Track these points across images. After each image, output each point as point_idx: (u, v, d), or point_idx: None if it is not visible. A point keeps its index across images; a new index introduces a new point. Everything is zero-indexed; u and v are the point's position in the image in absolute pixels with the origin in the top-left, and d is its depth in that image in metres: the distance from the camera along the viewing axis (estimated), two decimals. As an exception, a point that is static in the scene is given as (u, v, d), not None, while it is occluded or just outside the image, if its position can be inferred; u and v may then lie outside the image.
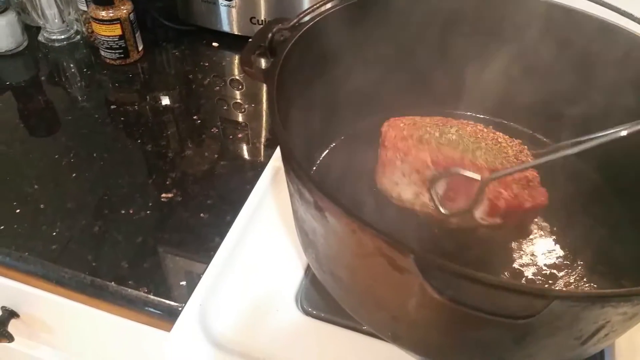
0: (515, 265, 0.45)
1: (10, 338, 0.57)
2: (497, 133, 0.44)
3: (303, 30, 0.43)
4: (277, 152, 0.58)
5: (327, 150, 0.53)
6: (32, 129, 0.63)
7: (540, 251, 0.46)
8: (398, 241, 0.28)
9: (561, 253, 0.46)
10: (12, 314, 0.58)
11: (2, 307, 0.58)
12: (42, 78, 0.72)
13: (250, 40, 0.43)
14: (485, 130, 0.44)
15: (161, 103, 0.66)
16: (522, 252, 0.45)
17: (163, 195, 0.54)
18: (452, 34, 0.51)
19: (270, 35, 0.42)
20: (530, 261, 0.45)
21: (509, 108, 0.54)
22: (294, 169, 0.33)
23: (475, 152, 0.40)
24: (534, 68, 0.50)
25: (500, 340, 0.31)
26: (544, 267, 0.45)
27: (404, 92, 0.51)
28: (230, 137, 0.62)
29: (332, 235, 0.33)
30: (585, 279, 0.44)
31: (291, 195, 0.39)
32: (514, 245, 0.46)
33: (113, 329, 0.52)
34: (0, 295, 0.56)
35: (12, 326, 0.59)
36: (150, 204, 0.53)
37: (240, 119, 0.65)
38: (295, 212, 0.40)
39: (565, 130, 0.47)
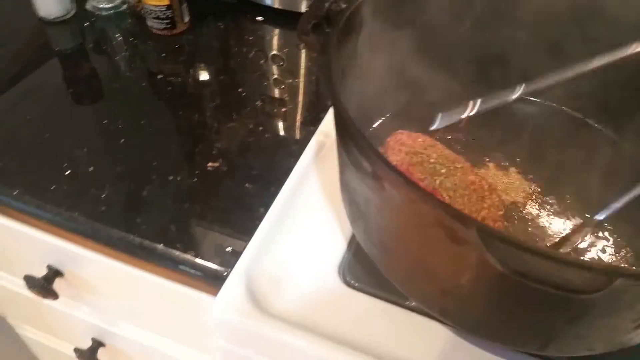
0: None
1: (54, 295, 0.59)
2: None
3: (360, 2, 0.43)
4: (321, 127, 0.59)
5: (375, 125, 0.53)
6: (80, 96, 0.64)
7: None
8: (461, 213, 0.28)
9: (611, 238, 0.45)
10: (57, 273, 0.60)
11: (48, 265, 0.59)
12: (89, 46, 0.73)
13: (306, 10, 0.43)
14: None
15: (206, 75, 0.67)
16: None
17: (209, 164, 0.55)
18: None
19: (327, 5, 0.42)
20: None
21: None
22: (353, 136, 0.33)
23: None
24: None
25: (555, 318, 0.31)
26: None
27: (465, 75, 0.50)
28: (274, 110, 0.62)
29: (387, 205, 0.34)
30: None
31: (343, 167, 0.40)
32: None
33: (157, 292, 0.53)
34: (47, 254, 0.58)
35: (56, 284, 0.61)
36: (196, 172, 0.54)
37: (283, 93, 0.65)
38: (345, 184, 0.40)
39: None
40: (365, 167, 0.33)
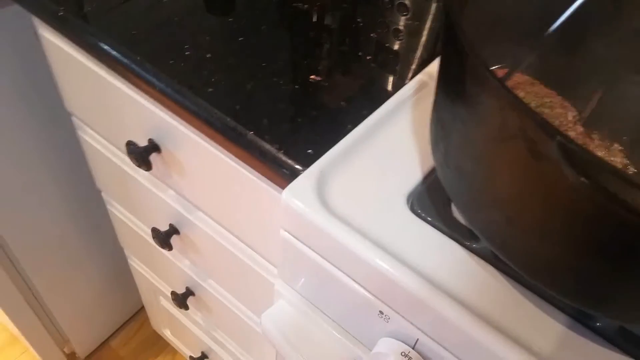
0: None
1: (149, 166, 0.65)
2: None
3: None
4: (428, 68, 0.59)
5: None
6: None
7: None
8: (546, 121, 0.28)
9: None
10: (155, 147, 0.65)
11: (150, 139, 0.65)
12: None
13: None
14: None
15: (329, 1, 0.69)
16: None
17: (312, 76, 0.57)
18: None
19: None
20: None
21: None
22: (458, 36, 0.33)
23: None
24: None
25: (624, 262, 0.30)
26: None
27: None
28: (386, 45, 0.63)
29: (474, 116, 0.34)
30: None
31: (439, 80, 0.40)
32: None
33: (238, 181, 0.57)
34: (151, 128, 0.64)
35: (153, 159, 0.67)
36: (299, 80, 0.56)
37: (400, 32, 0.65)
38: (436, 99, 0.41)
39: None
40: (461, 75, 0.33)
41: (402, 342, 0.45)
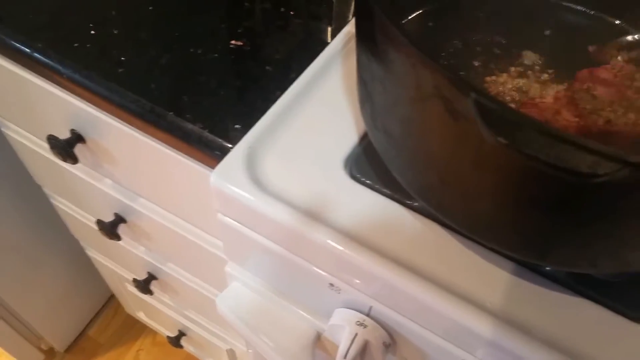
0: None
1: (75, 160, 0.60)
2: None
3: None
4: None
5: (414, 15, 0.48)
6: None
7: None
8: (459, 77, 0.25)
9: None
10: (79, 138, 0.61)
11: (72, 130, 0.60)
12: None
13: None
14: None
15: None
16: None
17: (232, 41, 0.53)
18: None
19: None
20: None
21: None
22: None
23: None
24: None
25: (555, 214, 0.28)
26: None
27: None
28: (311, -3, 0.59)
29: (390, 76, 0.31)
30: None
31: (356, 41, 0.37)
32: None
33: (167, 164, 0.53)
34: (71, 118, 0.59)
35: (79, 151, 0.62)
36: (218, 47, 0.52)
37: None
38: (357, 59, 0.38)
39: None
40: (371, 29, 0.30)
41: (357, 310, 0.44)
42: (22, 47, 0.52)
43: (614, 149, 0.21)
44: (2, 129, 0.76)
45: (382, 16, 0.27)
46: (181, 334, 1.10)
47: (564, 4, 0.48)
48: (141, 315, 1.23)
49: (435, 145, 0.31)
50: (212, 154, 0.46)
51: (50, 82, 0.55)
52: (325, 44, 0.53)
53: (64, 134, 0.61)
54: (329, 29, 0.56)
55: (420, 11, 0.47)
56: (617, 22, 0.46)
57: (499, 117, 0.24)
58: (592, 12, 0.47)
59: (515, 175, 0.26)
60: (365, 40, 0.32)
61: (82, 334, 1.37)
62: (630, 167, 0.23)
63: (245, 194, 0.41)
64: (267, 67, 0.51)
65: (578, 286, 0.38)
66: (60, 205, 0.90)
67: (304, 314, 0.50)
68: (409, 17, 0.46)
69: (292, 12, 0.56)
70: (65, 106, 0.57)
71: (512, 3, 0.48)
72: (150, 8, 0.55)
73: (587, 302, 0.37)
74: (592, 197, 0.25)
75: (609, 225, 0.27)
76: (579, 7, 0.48)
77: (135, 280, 0.88)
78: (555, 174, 0.23)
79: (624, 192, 0.24)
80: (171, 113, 0.47)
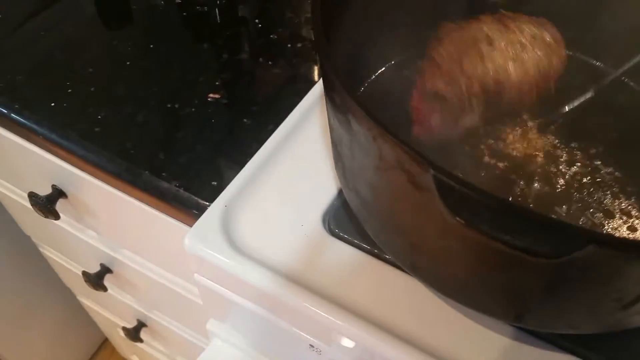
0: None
1: (56, 215, 0.60)
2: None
3: None
4: (334, 67, 0.55)
5: (375, 76, 0.48)
6: (92, 15, 0.63)
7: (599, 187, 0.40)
8: (418, 153, 0.24)
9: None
10: (60, 194, 0.60)
11: (53, 185, 0.60)
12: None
13: None
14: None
15: (224, 2, 0.64)
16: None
17: (210, 95, 0.53)
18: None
19: None
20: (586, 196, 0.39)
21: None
22: (325, 68, 0.29)
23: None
24: None
25: (524, 285, 0.27)
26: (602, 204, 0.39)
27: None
28: (289, 45, 0.59)
29: (355, 144, 0.30)
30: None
31: (326, 102, 0.36)
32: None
33: (146, 220, 0.53)
34: (51, 174, 0.59)
35: (62, 205, 0.62)
36: (195, 102, 0.52)
37: (303, 32, 0.61)
38: (328, 120, 0.37)
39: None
40: (336, 99, 0.30)
41: (339, 372, 0.43)
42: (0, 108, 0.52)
43: (579, 227, 0.20)
44: (-13, 182, 0.76)
45: (340, 88, 0.27)
46: (176, 378, 1.08)
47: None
48: (135, 359, 1.21)
49: (402, 212, 0.30)
50: (189, 212, 0.45)
51: (28, 141, 0.54)
52: (303, 93, 0.52)
53: (46, 189, 0.60)
54: (308, 77, 0.56)
55: (393, 62, 0.47)
56: None
57: (459, 193, 0.23)
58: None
59: (477, 251, 0.25)
60: (332, 106, 0.32)
61: (77, 378, 1.35)
62: (594, 244, 0.22)
63: (221, 256, 0.40)
64: (245, 120, 0.51)
65: (562, 342, 0.37)
66: (49, 254, 0.89)
67: (288, 372, 0.49)
68: (382, 69, 0.46)
69: (270, 62, 0.57)
70: (44, 163, 0.56)
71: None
72: (127, 63, 0.56)
73: (572, 358, 0.36)
74: (557, 273, 0.24)
75: (578, 294, 0.27)
76: None
77: (125, 329, 0.87)
78: (518, 254, 0.23)
79: (588, 267, 0.23)
80: (146, 172, 0.46)
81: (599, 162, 0.41)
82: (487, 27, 0.37)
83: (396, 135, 0.25)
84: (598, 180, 0.40)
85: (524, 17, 0.39)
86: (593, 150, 0.42)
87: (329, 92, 0.30)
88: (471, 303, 0.33)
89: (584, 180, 0.40)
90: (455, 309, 0.38)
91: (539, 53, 0.37)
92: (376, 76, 0.46)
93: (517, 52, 0.37)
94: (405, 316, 0.38)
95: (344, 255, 0.41)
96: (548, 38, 0.38)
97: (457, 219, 0.23)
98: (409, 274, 0.40)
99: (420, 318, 0.38)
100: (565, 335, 0.37)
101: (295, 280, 0.40)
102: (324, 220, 0.44)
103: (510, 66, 0.37)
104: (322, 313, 0.38)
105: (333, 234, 0.43)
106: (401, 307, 0.38)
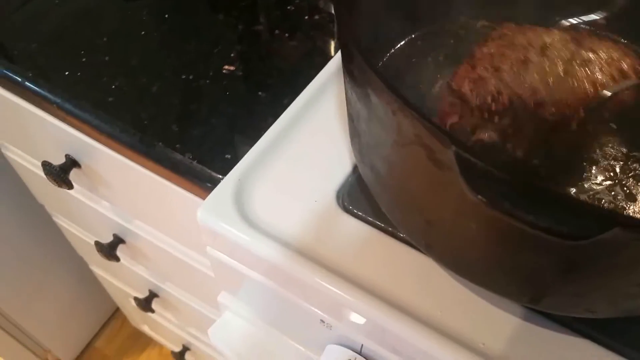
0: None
1: (69, 185, 0.60)
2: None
3: None
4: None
5: (394, 49, 0.46)
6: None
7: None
8: (440, 129, 0.24)
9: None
10: (74, 163, 0.60)
11: (66, 154, 0.60)
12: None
13: None
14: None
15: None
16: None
17: (225, 67, 0.52)
18: None
19: None
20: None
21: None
22: (344, 39, 0.29)
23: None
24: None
25: (544, 267, 0.27)
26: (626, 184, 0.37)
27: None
28: (306, 17, 0.57)
29: (374, 118, 0.30)
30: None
31: (344, 74, 0.35)
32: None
33: (159, 192, 0.52)
34: (65, 143, 0.59)
35: (75, 175, 0.62)
36: (210, 74, 0.51)
37: (320, 4, 0.60)
38: (345, 94, 0.36)
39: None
40: (355, 72, 0.29)
41: (348, 348, 0.43)
42: (14, 76, 0.52)
43: (606, 209, 0.19)
44: (3, 151, 0.76)
45: (360, 61, 0.26)
46: (185, 348, 1.09)
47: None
48: (145, 329, 1.23)
49: (419, 189, 0.29)
50: (202, 184, 0.45)
51: (42, 110, 0.54)
52: (320, 67, 0.51)
53: (59, 159, 0.60)
54: (325, 51, 0.55)
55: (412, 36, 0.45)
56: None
57: (480, 170, 0.23)
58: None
59: (498, 231, 0.25)
60: (350, 79, 0.31)
61: (88, 345, 1.37)
62: (619, 227, 0.21)
63: (234, 230, 0.40)
64: (260, 93, 0.50)
65: (576, 325, 0.36)
66: (63, 224, 0.90)
67: (298, 347, 0.49)
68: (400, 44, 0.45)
69: (286, 35, 0.55)
70: (58, 132, 0.56)
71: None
72: (142, 33, 0.55)
73: (586, 342, 0.36)
74: (580, 255, 0.23)
75: (600, 278, 0.26)
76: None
77: (136, 299, 0.88)
78: (539, 234, 0.22)
79: (613, 250, 0.23)
80: (160, 143, 0.46)
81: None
82: (548, 35, 0.35)
83: (417, 109, 0.24)
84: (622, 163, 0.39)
85: (610, 42, 0.37)
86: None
87: (348, 64, 0.29)
88: (486, 283, 0.32)
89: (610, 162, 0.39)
90: (468, 288, 0.38)
91: (604, 76, 0.34)
92: (395, 50, 0.45)
93: (574, 68, 0.34)
94: (416, 294, 0.38)
95: (357, 232, 0.41)
96: (625, 67, 0.35)
97: (479, 196, 0.22)
98: (422, 252, 0.39)
99: (432, 296, 0.38)
100: (579, 318, 0.36)
101: (308, 255, 0.39)
102: (337, 197, 0.43)
103: (556, 80, 0.34)
104: (334, 288, 0.38)
105: (347, 210, 0.42)
106: (413, 285, 0.38)
